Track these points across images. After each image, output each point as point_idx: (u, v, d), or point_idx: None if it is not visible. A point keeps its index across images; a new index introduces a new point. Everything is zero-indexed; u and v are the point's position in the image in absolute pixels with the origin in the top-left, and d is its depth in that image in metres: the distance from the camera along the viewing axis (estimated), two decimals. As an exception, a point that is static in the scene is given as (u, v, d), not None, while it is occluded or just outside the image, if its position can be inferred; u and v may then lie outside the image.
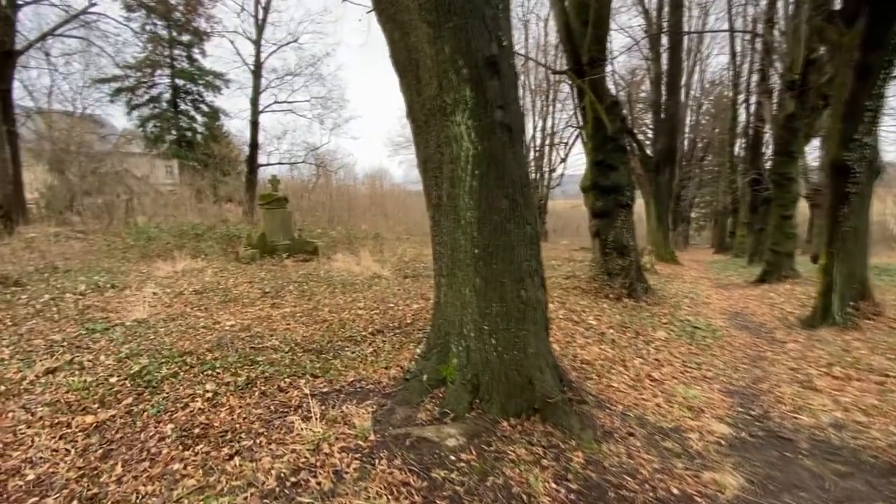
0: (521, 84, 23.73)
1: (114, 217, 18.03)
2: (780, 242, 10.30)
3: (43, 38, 13.14)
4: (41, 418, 2.85)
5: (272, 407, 3.08)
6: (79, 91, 25.91)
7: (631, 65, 22.11)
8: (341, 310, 5.54)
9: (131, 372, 3.49)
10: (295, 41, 19.68)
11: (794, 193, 10.94)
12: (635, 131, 15.25)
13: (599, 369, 4.11)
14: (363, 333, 4.58)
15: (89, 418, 2.87)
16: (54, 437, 2.65)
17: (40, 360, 3.68)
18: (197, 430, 2.76)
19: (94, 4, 13.27)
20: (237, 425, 2.82)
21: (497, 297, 3.02)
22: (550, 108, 23.11)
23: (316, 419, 2.83)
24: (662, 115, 13.35)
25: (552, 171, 23.88)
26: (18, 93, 20.53)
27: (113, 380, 3.39)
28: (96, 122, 26.50)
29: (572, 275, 8.40)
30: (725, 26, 18.27)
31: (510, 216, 3.04)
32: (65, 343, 4.12)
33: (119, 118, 27.63)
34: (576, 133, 23.53)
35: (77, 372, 3.52)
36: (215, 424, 2.83)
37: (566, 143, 23.98)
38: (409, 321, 5.12)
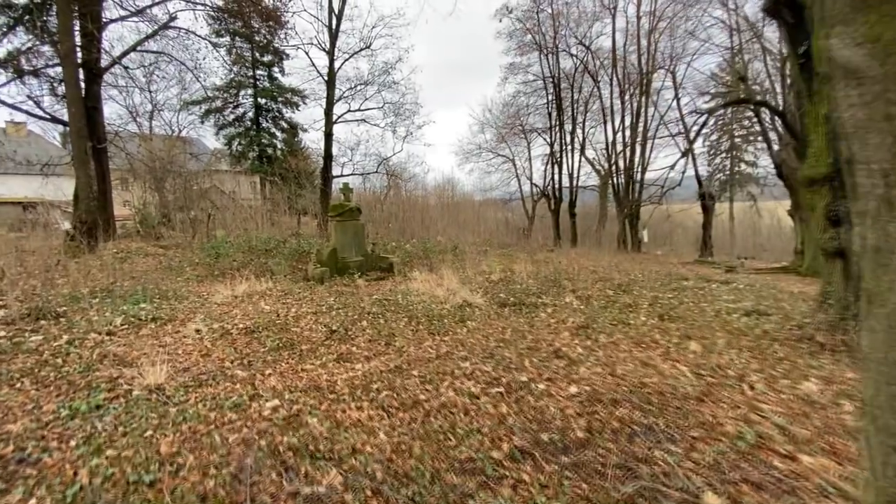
0: (609, 76, 21.02)
1: (197, 231, 17.91)
2: None
3: (126, 54, 12.87)
4: None
5: None
6: (175, 112, 27.16)
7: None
8: (438, 377, 3.57)
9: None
10: (367, 47, 18.62)
11: None
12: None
13: None
14: (492, 456, 2.32)
15: None
16: None
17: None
18: None
19: (174, 18, 12.85)
20: None
21: None
22: (642, 101, 20.11)
23: None
24: None
25: (644, 170, 20.78)
26: (123, 116, 21.39)
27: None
28: (191, 142, 27.56)
29: (764, 312, 5.69)
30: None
31: None
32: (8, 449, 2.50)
33: (209, 139, 28.27)
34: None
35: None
36: None
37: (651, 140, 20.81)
38: (576, 430, 2.59)
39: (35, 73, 13.02)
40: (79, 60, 11.90)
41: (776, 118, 12.29)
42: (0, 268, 6.65)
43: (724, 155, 31.37)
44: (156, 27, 12.74)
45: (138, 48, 13.14)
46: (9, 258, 7.85)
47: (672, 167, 14.66)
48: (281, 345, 4.39)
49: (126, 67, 13.71)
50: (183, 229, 18.50)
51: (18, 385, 3.32)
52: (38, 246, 12.32)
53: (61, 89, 12.66)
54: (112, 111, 23.02)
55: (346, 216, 9.49)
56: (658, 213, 28.34)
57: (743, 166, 31.48)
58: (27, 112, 12.40)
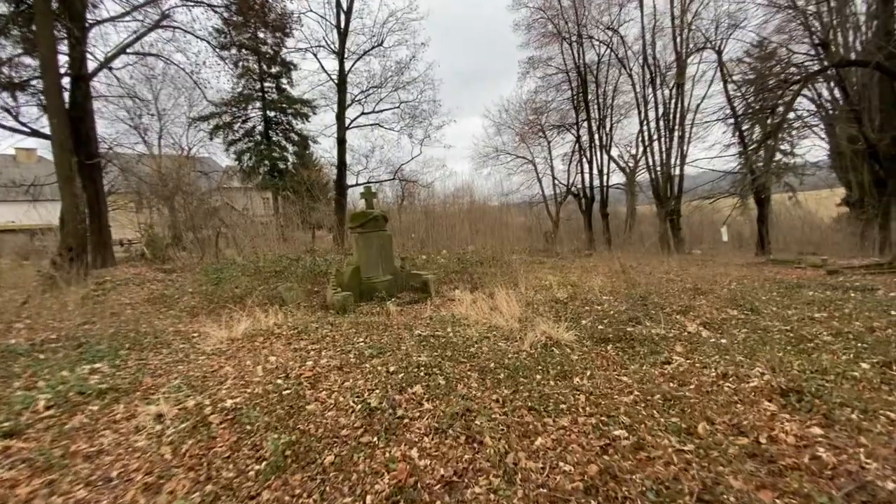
0: (637, 64, 18.95)
1: (206, 252, 16.34)
2: None
3: (115, 56, 11.27)
4: None
5: None
6: (184, 130, 25.88)
7: None
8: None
9: None
10: (380, 45, 16.90)
11: None
12: None
13: None
14: None
15: None
16: None
17: None
18: None
19: (167, 17, 11.25)
20: None
21: None
22: (676, 91, 18.03)
23: None
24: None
25: (683, 163, 18.61)
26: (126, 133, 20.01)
27: None
28: (201, 161, 26.25)
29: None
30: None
31: None
32: None
33: (220, 155, 26.95)
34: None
35: None
36: None
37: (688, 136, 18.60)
38: None
39: (19, 86, 11.52)
40: (64, 66, 10.37)
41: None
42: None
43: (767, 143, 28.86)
44: (148, 26, 11.14)
45: (130, 51, 11.55)
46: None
47: (759, 146, 12.22)
48: (288, 453, 2.47)
49: (125, 70, 12.09)
50: (192, 250, 17.02)
51: None
52: (27, 276, 10.73)
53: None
54: (117, 130, 21.79)
55: (369, 226, 7.62)
56: (687, 210, 26.02)
57: (778, 156, 28.95)
58: (5, 127, 10.84)
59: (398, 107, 18.03)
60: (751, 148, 14.31)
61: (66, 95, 10.71)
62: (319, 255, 10.75)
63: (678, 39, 17.41)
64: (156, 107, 23.50)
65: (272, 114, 26.11)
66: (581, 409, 2.89)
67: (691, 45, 17.39)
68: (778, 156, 30.48)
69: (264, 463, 2.39)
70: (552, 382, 3.42)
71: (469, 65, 65.21)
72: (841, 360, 3.39)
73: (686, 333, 4.55)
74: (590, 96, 20.90)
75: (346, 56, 16.60)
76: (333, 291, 6.85)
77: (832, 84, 14.70)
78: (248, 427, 2.79)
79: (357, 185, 18.99)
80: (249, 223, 21.55)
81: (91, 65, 11.16)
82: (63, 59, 10.71)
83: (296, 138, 26.46)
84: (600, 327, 4.96)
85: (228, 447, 2.58)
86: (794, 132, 20.94)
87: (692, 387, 3.16)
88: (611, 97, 21.34)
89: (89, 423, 3.05)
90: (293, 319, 5.95)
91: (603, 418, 2.73)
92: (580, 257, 15.57)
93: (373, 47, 16.94)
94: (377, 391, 3.27)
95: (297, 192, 23.29)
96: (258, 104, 25.74)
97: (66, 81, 10.82)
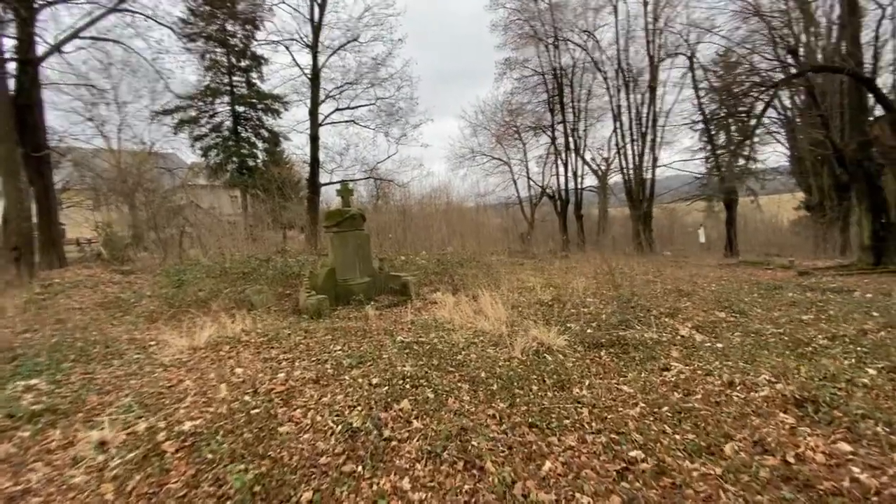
0: (611, 69, 19.13)
1: (168, 253, 15.45)
2: None
3: (68, 40, 10.36)
4: None
5: None
6: (147, 124, 24.53)
7: None
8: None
9: None
10: (355, 39, 16.35)
11: None
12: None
13: None
14: None
15: None
16: None
17: None
18: None
19: (122, 1, 10.43)
20: None
21: None
22: (649, 95, 18.31)
23: None
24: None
25: (655, 166, 18.92)
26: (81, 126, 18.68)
27: None
28: (164, 157, 24.94)
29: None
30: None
31: None
32: None
33: (185, 151, 25.66)
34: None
35: None
36: None
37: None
38: None
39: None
40: (10, 51, 9.45)
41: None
42: None
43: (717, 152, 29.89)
44: (105, 8, 10.29)
45: (85, 35, 10.65)
46: None
47: (737, 148, 12.36)
48: (257, 489, 2.09)
49: (78, 55, 11.12)
50: (153, 251, 16.06)
51: None
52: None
53: None
54: (71, 122, 20.27)
55: (345, 225, 7.21)
56: (658, 212, 26.57)
57: (741, 161, 30.03)
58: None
59: (374, 103, 17.53)
60: (728, 150, 14.61)
61: (12, 82, 9.78)
62: (291, 255, 10.22)
63: (651, 45, 17.69)
64: (115, 98, 22.05)
65: (241, 109, 25.06)
66: (587, 425, 2.63)
67: (663, 52, 17.70)
68: (741, 161, 31.65)
69: (228, 503, 2.00)
70: (550, 394, 3.15)
71: (446, 66, 64.98)
72: (844, 365, 3.27)
73: (679, 337, 4.40)
74: (565, 99, 21.01)
75: (319, 50, 16.01)
76: (307, 294, 6.41)
77: (796, 91, 15.21)
78: (210, 456, 2.38)
79: (331, 183, 18.37)
80: (216, 222, 20.59)
81: (41, 49, 10.24)
82: (9, 43, 9.78)
83: (266, 134, 25.48)
84: (590, 331, 4.75)
85: (185, 483, 2.18)
86: (756, 138, 21.67)
87: (699, 396, 2.95)
88: (585, 101, 21.53)
89: (17, 454, 2.57)
90: (263, 325, 5.50)
91: (613, 436, 2.47)
92: (558, 258, 15.53)
93: (348, 42, 16.40)
94: (359, 408, 2.92)
95: (267, 191, 22.39)
96: (226, 98, 24.65)
97: (12, 67, 9.88)
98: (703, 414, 2.66)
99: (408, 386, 3.28)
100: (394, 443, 2.49)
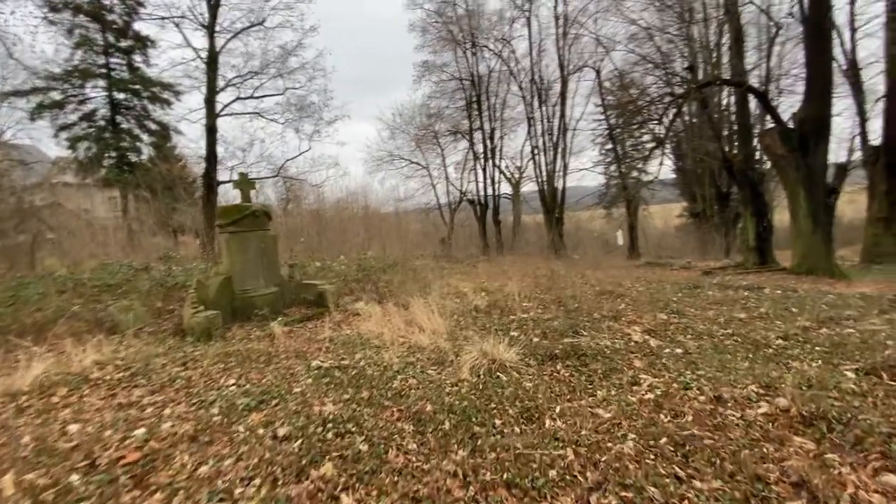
0: (526, 79, 19.59)
1: (15, 262, 12.38)
2: None
3: None
4: None
5: None
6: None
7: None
8: None
9: None
10: (260, 23, 14.62)
11: None
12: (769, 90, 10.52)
13: None
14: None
15: None
16: None
17: None
18: None
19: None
20: None
21: None
22: (556, 108, 19.05)
23: None
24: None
25: (566, 174, 19.70)
26: None
27: None
28: (17, 147, 20.45)
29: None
30: None
31: None
32: None
33: (47, 143, 21.27)
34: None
35: None
36: None
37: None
38: None
39: None
40: None
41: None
42: None
43: (622, 162, 32.56)
44: None
45: None
46: None
47: (649, 155, 13.07)
48: None
49: None
50: (-2, 261, 12.80)
51: None
52: None
53: None
54: None
55: (246, 224, 5.93)
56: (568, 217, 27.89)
57: (635, 172, 32.95)
58: None
59: (282, 94, 15.83)
60: (637, 159, 15.52)
61: None
62: (178, 263, 8.47)
63: (561, 57, 18.39)
64: None
65: (122, 96, 21.42)
66: (580, 477, 1.95)
67: (572, 65, 18.51)
68: (635, 172, 34.64)
69: None
70: (518, 428, 2.45)
71: (362, 73, 63.21)
72: (815, 368, 3.03)
73: (634, 343, 4.00)
74: (483, 106, 21.10)
75: (218, 31, 14.04)
76: (193, 311, 5.05)
77: (682, 110, 16.76)
78: None
79: (231, 181, 16.23)
80: (86, 226, 17.20)
81: None
82: None
83: (153, 126, 22.08)
84: (536, 340, 4.20)
85: None
86: (659, 150, 23.74)
87: (690, 419, 2.45)
88: (500, 110, 21.85)
89: None
90: (127, 353, 4.11)
91: (622, 492, 1.82)
92: (480, 262, 15.24)
93: (252, 25, 14.60)
94: (257, 481, 1.94)
95: (153, 190, 19.28)
96: (102, 83, 20.91)
97: None
98: (710, 444, 2.14)
99: (330, 436, 2.36)
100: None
